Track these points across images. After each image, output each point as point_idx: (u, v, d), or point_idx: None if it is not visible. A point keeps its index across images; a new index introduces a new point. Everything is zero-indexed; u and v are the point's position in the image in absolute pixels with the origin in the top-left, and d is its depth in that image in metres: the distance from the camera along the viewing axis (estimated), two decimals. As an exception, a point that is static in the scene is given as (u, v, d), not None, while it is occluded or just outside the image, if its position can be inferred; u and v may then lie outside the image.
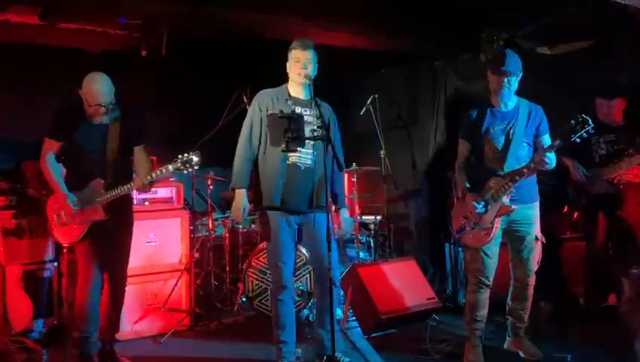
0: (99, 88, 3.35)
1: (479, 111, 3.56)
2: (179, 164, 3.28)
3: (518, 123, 3.49)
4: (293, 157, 3.32)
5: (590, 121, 3.17)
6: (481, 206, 3.43)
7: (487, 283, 3.54)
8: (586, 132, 3.17)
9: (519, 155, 3.46)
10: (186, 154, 3.27)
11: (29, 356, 3.71)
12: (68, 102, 3.52)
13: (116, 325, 3.73)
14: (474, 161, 3.59)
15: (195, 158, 3.27)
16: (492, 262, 3.53)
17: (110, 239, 3.54)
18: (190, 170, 3.30)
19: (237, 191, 3.40)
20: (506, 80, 3.42)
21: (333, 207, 3.61)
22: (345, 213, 3.58)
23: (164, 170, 3.31)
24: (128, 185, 3.37)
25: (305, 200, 3.35)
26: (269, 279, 4.41)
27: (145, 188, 3.41)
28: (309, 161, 3.34)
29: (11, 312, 3.84)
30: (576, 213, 4.55)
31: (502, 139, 3.49)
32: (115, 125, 3.48)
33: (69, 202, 3.40)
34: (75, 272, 3.56)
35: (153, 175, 3.33)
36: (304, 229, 3.47)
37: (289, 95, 3.40)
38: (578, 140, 3.20)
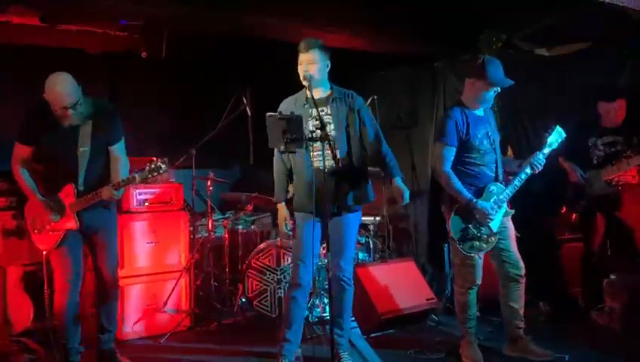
0: (62, 90, 3.20)
1: (461, 114, 3.51)
2: (146, 173, 3.25)
3: (492, 127, 3.60)
4: (316, 161, 3.35)
5: (559, 130, 3.56)
6: (494, 213, 3.43)
7: (479, 282, 3.58)
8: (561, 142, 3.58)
9: (499, 159, 3.58)
10: (153, 163, 3.25)
11: (29, 356, 3.71)
12: (37, 105, 3.33)
13: (112, 325, 3.67)
14: (460, 165, 3.53)
15: (163, 166, 3.25)
16: (481, 262, 3.58)
17: (91, 243, 3.52)
18: (158, 177, 3.31)
19: (278, 205, 3.61)
20: (494, 91, 3.49)
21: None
22: (399, 181, 3.51)
23: (130, 179, 3.28)
24: (95, 193, 3.30)
25: (330, 202, 3.33)
26: (269, 280, 4.44)
27: (113, 198, 3.33)
28: (331, 162, 3.26)
29: (12, 313, 3.85)
30: (574, 215, 4.56)
31: (486, 144, 3.53)
32: (87, 126, 3.36)
33: (47, 208, 3.35)
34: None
35: (121, 182, 3.28)
36: (330, 228, 3.40)
37: (306, 98, 3.42)
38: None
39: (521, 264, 3.59)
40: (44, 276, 3.77)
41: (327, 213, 3.24)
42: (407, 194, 3.47)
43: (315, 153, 3.36)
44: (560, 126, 3.60)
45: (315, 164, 3.36)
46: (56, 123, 3.32)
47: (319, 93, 3.43)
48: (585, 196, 4.38)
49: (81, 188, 3.37)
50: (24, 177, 3.42)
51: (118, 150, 3.48)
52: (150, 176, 3.25)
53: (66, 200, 3.36)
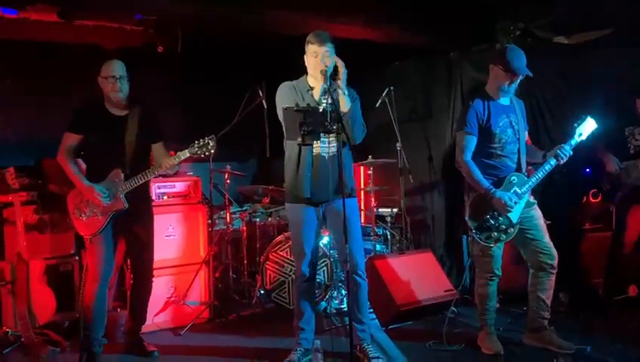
0: (113, 64, 3.54)
1: (483, 103, 3.48)
2: (195, 149, 3.46)
3: (518, 117, 3.54)
4: (317, 147, 3.35)
5: (590, 121, 3.48)
6: (514, 204, 3.39)
7: (499, 273, 3.56)
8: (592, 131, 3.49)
9: (523, 149, 3.53)
10: (202, 140, 3.47)
11: (53, 348, 3.78)
12: (87, 98, 3.65)
13: (143, 316, 3.81)
14: (480, 155, 3.50)
15: (211, 143, 3.46)
16: (500, 252, 3.55)
17: (130, 233, 3.62)
18: (207, 153, 3.46)
19: None
20: (517, 79, 3.43)
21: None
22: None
23: (181, 155, 3.47)
24: (150, 171, 3.47)
25: (330, 189, 3.31)
26: (287, 272, 4.47)
27: (174, 166, 3.54)
28: (333, 150, 3.34)
29: (35, 306, 3.92)
30: (612, 206, 4.42)
31: (510, 133, 3.50)
32: (134, 119, 3.58)
33: (98, 191, 3.43)
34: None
35: (179, 154, 3.48)
36: (329, 218, 3.46)
37: (310, 87, 3.41)
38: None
39: (554, 252, 3.51)
40: (73, 267, 3.91)
41: (330, 200, 3.27)
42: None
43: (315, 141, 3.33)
44: (584, 116, 3.51)
45: (315, 151, 3.35)
46: (105, 113, 3.54)
47: (322, 86, 3.39)
48: (622, 186, 4.27)
49: (127, 171, 3.50)
50: (71, 165, 3.53)
51: (163, 147, 3.68)
52: (199, 151, 3.46)
53: (114, 183, 3.47)
